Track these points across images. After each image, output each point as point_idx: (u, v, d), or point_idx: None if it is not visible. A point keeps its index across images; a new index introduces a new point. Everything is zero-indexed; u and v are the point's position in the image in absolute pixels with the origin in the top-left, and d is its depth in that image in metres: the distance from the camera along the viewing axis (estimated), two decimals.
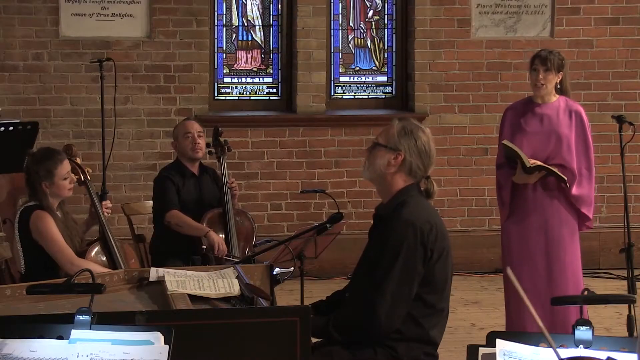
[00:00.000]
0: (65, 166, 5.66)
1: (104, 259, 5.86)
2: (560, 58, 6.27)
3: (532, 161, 6.12)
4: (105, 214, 5.98)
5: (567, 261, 6.25)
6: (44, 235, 5.55)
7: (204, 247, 6.42)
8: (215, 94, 8.83)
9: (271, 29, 8.90)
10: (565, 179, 6.17)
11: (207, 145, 6.87)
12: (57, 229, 5.57)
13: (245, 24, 8.89)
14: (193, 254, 6.01)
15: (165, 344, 3.02)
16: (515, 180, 6.21)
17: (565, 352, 2.92)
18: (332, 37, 8.96)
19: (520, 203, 6.24)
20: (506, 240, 6.34)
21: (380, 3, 9.03)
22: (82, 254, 5.71)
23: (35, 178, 5.60)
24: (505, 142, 6.18)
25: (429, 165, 4.29)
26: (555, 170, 6.16)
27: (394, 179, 4.25)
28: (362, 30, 9.05)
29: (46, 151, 5.71)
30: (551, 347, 2.73)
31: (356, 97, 9.04)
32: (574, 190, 6.21)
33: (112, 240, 5.89)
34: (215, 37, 8.82)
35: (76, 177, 5.87)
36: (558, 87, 6.31)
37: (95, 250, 5.85)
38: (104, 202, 6.05)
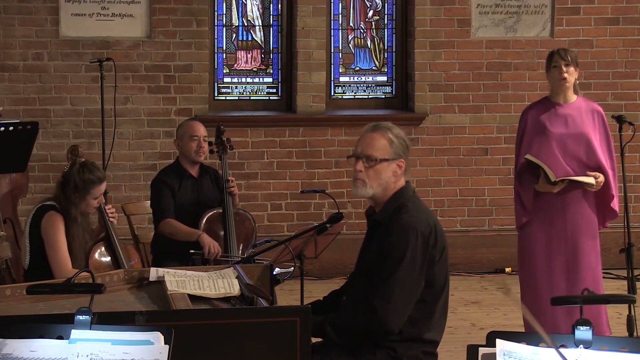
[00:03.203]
0: (102, 188, 5.72)
1: (108, 259, 5.87)
2: (576, 54, 6.24)
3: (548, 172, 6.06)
4: (112, 219, 5.98)
5: (586, 265, 6.21)
6: (49, 237, 5.57)
7: (192, 251, 6.25)
8: (215, 94, 8.83)
9: (271, 29, 8.90)
10: (592, 183, 6.09)
11: (209, 144, 6.86)
12: (64, 236, 5.58)
13: (245, 24, 8.89)
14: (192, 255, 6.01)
15: (165, 344, 3.02)
16: (538, 189, 6.15)
17: (564, 352, 2.92)
18: (332, 37, 8.96)
19: (545, 206, 6.19)
20: (530, 244, 6.26)
21: (380, 3, 9.03)
22: (86, 254, 5.74)
23: (71, 186, 5.63)
24: (528, 156, 6.09)
25: None
26: (580, 179, 6.11)
27: (395, 186, 4.27)
28: (362, 30, 9.05)
29: (92, 167, 5.74)
30: (553, 347, 2.73)
31: (356, 97, 9.04)
32: (616, 204, 6.22)
33: (115, 241, 5.90)
34: (215, 37, 8.82)
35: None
36: (577, 82, 6.27)
37: (99, 250, 5.86)
38: (107, 206, 6.05)
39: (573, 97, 6.23)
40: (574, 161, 6.14)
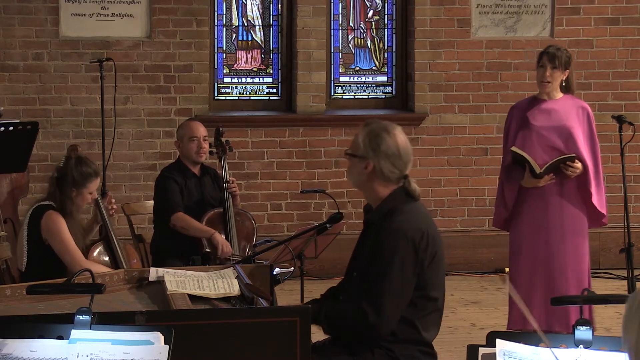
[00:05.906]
0: (98, 182, 5.74)
1: (107, 259, 5.86)
2: (567, 55, 6.24)
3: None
4: (111, 211, 5.98)
5: (569, 259, 6.24)
6: (55, 236, 5.55)
7: (208, 250, 6.41)
8: (215, 94, 8.83)
9: (271, 29, 8.90)
10: (574, 155, 6.11)
11: (209, 145, 6.86)
12: (68, 231, 5.57)
13: (245, 24, 8.89)
14: (193, 254, 6.01)
15: (165, 344, 3.02)
16: (524, 184, 6.18)
17: (564, 352, 2.92)
18: (332, 37, 8.96)
19: (530, 206, 6.21)
20: (516, 243, 6.29)
21: (380, 3, 9.03)
22: (84, 254, 5.72)
23: (68, 180, 5.61)
24: (513, 148, 6.14)
25: (404, 166, 4.19)
26: (561, 157, 6.11)
27: (374, 187, 4.20)
28: (362, 30, 9.05)
29: (88, 161, 5.75)
30: (548, 347, 2.73)
31: (356, 97, 9.04)
32: (596, 201, 6.18)
33: (114, 241, 5.90)
34: (215, 37, 8.82)
35: None
36: (563, 84, 6.28)
37: (97, 250, 5.86)
38: (106, 199, 6.05)
39: (558, 95, 6.28)
40: (554, 152, 6.14)
